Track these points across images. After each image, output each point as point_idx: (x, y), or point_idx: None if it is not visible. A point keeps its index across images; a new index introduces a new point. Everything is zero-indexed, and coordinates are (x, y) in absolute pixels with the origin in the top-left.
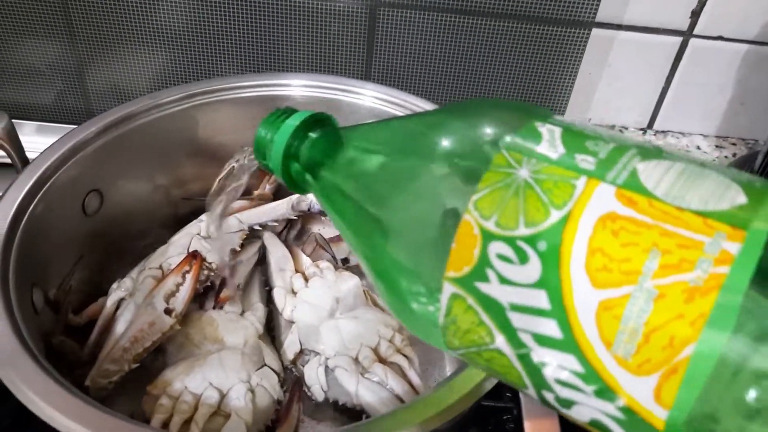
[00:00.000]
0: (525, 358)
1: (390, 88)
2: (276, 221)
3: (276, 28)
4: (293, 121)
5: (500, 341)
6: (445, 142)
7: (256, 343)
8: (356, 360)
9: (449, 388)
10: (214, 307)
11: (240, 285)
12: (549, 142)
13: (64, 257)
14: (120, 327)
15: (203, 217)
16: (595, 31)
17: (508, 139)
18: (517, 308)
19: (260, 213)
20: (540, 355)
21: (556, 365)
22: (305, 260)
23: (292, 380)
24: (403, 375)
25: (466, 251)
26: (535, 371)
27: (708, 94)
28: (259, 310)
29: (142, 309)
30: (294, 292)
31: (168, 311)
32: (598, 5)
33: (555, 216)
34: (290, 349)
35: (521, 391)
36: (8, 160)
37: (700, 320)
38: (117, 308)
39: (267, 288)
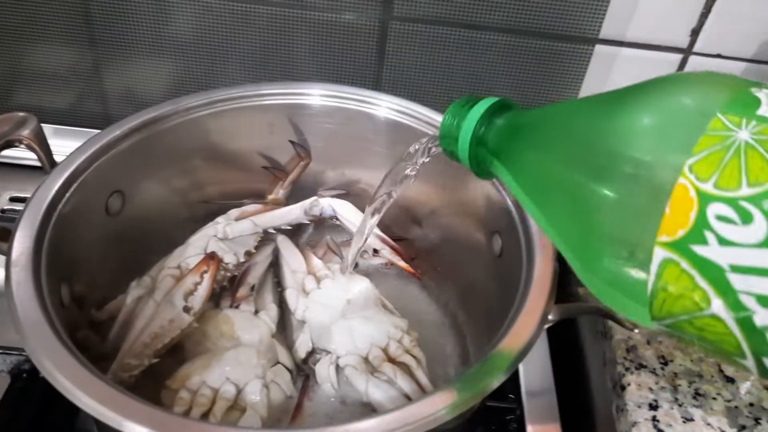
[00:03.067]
0: (746, 323)
1: (404, 100)
2: (289, 225)
3: (289, 39)
4: (480, 108)
5: (717, 305)
6: (648, 116)
7: (270, 342)
8: (366, 359)
9: (456, 386)
10: (230, 306)
11: (254, 285)
12: None
13: (88, 255)
14: (140, 323)
15: (219, 219)
16: (598, 47)
17: (723, 103)
18: (739, 269)
19: (274, 217)
20: (764, 317)
21: None
22: (317, 262)
23: (303, 378)
24: (411, 375)
25: (681, 215)
26: (757, 336)
27: None
28: (272, 310)
29: (162, 306)
30: (306, 293)
31: (186, 309)
32: (601, 22)
33: None
34: (302, 348)
35: (734, 362)
36: (35, 163)
37: None
38: (136, 305)
39: (279, 289)
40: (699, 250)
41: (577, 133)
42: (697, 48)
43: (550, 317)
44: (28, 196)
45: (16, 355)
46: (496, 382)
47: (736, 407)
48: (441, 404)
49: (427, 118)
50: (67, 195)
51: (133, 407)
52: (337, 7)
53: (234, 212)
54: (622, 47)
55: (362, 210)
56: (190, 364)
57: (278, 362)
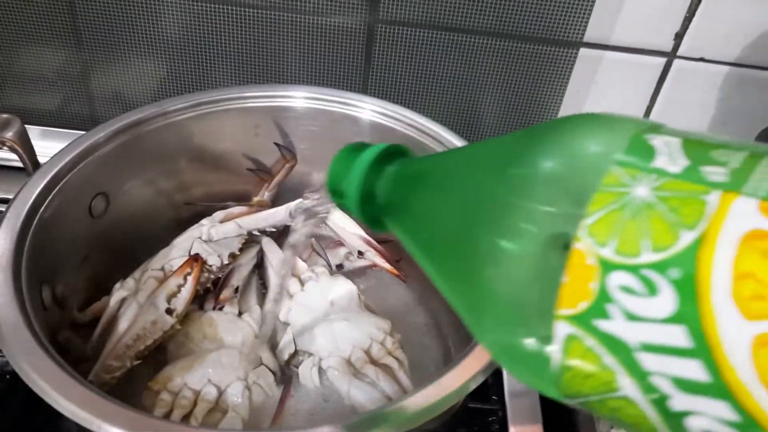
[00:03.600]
0: (661, 407)
1: (388, 103)
2: (274, 227)
3: (276, 42)
4: (367, 157)
5: (629, 388)
6: (543, 165)
7: (253, 343)
8: (349, 361)
9: (436, 386)
10: (213, 308)
11: (238, 287)
12: (667, 155)
13: (70, 257)
14: (123, 325)
15: (204, 221)
16: (582, 50)
17: (616, 154)
18: (648, 348)
19: (259, 219)
20: (681, 402)
21: (703, 414)
22: (301, 265)
23: (286, 379)
24: (394, 376)
25: (581, 285)
26: (675, 422)
27: (691, 114)
28: (255, 312)
29: (145, 308)
30: (290, 295)
31: (169, 311)
32: (585, 26)
33: (686, 238)
34: (285, 349)
35: None
36: (18, 164)
37: None
38: (120, 307)
39: (264, 291)
40: (603, 325)
41: (468, 182)
42: (681, 51)
43: None
44: (11, 197)
45: None
46: (476, 381)
47: None
48: (421, 404)
49: (411, 120)
50: (50, 197)
51: (111, 410)
52: (324, 11)
53: (219, 214)
54: (606, 51)
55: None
56: (172, 366)
57: (261, 364)
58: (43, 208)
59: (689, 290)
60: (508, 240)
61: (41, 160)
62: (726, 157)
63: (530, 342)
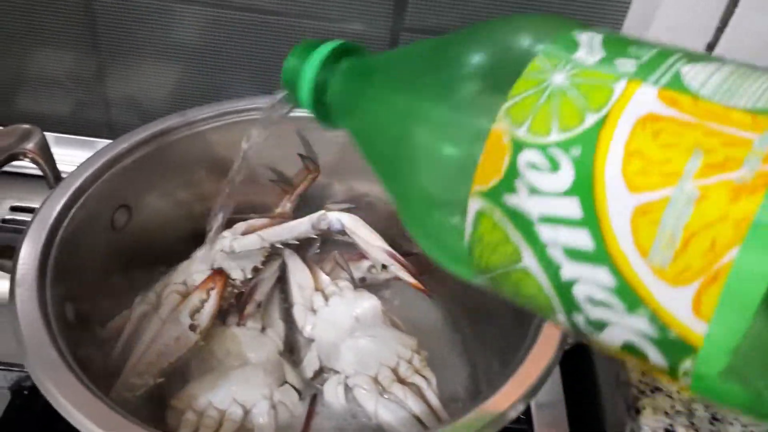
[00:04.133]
0: (554, 277)
1: None
2: (297, 239)
3: None
4: (322, 50)
5: (528, 259)
6: (476, 57)
7: (277, 360)
8: (375, 379)
9: (472, 417)
10: (237, 325)
11: (261, 302)
12: (588, 48)
13: (92, 271)
14: (144, 341)
15: (226, 233)
16: None
17: (542, 45)
18: (546, 220)
19: (281, 231)
20: (570, 270)
21: (587, 281)
22: (324, 278)
23: (310, 397)
24: (422, 395)
25: (495, 163)
26: (564, 291)
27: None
28: (278, 327)
29: (168, 324)
30: (314, 310)
31: (193, 327)
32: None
33: (590, 119)
34: (309, 366)
35: (551, 320)
36: (37, 171)
37: (745, 221)
38: (141, 321)
39: (286, 305)
40: (510, 199)
41: (410, 70)
42: None
43: (569, 340)
44: (29, 205)
45: (18, 371)
46: (514, 412)
47: None
48: None
49: None
50: (73, 211)
51: (133, 431)
52: (347, 17)
53: (240, 226)
54: None
55: (371, 224)
56: (196, 384)
57: (286, 381)
58: (66, 222)
59: (586, 166)
60: (439, 126)
61: (58, 165)
62: (639, 52)
63: (446, 219)
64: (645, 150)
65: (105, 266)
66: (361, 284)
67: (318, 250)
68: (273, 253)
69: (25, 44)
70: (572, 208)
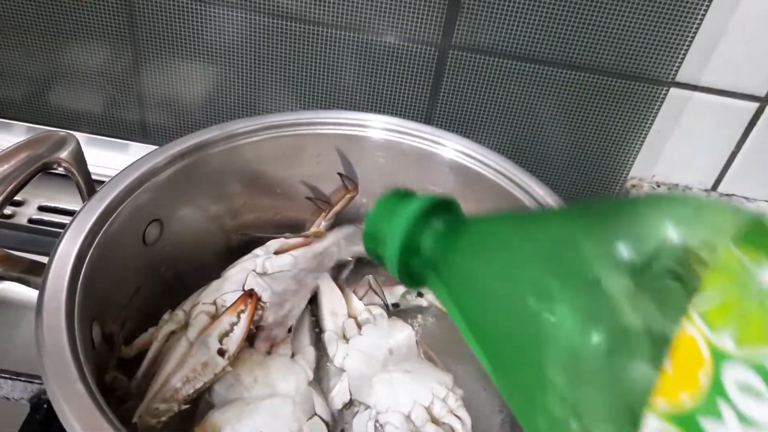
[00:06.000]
0: None
1: (471, 142)
2: (331, 263)
3: (336, 63)
4: (413, 207)
5: None
6: (623, 246)
7: (306, 391)
8: (408, 418)
9: None
10: (267, 352)
11: (292, 327)
12: None
13: (122, 289)
14: (171, 364)
15: (259, 251)
16: (672, 90)
17: (734, 233)
18: None
19: (315, 252)
20: None
21: None
22: (358, 305)
23: (338, 429)
24: None
25: (688, 376)
26: None
27: None
28: (309, 354)
29: (196, 347)
30: (346, 339)
31: (221, 352)
32: (680, 65)
33: None
34: (339, 397)
35: None
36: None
37: None
38: (167, 340)
39: (317, 329)
40: (711, 427)
41: (535, 255)
42: None
43: None
44: (57, 205)
45: (38, 383)
46: None
47: None
48: None
49: (496, 164)
50: (105, 226)
51: None
52: (394, 32)
53: (273, 244)
54: (695, 92)
55: None
56: (220, 412)
57: (315, 414)
58: (98, 238)
59: None
60: (587, 321)
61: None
62: None
63: None
64: None
65: (134, 282)
66: (394, 309)
67: (351, 268)
68: (306, 274)
69: (60, 39)
70: None
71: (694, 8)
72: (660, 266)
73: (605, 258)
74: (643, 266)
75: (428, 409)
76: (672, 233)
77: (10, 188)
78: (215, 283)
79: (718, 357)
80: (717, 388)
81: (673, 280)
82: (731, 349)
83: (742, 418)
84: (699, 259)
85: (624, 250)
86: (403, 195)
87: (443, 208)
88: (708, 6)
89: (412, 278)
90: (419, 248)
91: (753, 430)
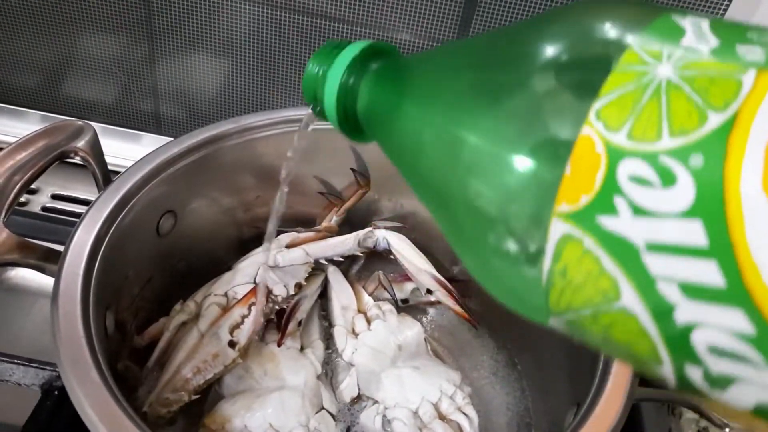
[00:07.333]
0: (664, 319)
1: None
2: (342, 256)
3: None
4: (349, 53)
5: (629, 296)
6: (549, 50)
7: (315, 384)
8: (416, 414)
9: None
10: (277, 345)
11: (302, 320)
12: (696, 34)
13: (135, 279)
14: (181, 354)
15: (271, 244)
16: None
17: (637, 34)
18: (657, 248)
19: (327, 247)
20: (689, 312)
21: (712, 326)
22: (368, 300)
23: (345, 425)
24: None
25: (585, 176)
26: (677, 337)
27: None
28: (318, 348)
29: (207, 339)
30: (355, 334)
31: (232, 344)
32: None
33: (714, 120)
34: (347, 392)
35: (648, 370)
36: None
37: None
38: (178, 331)
39: (326, 323)
40: (607, 222)
41: (462, 71)
42: None
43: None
44: (71, 194)
45: (50, 370)
46: None
47: None
48: None
49: None
50: (120, 216)
51: None
52: (409, 29)
53: (285, 238)
54: None
55: (417, 244)
56: (230, 403)
57: (323, 408)
58: (113, 229)
59: (713, 179)
60: (502, 137)
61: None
62: (763, 38)
63: (515, 248)
64: None
65: (148, 274)
66: (403, 305)
67: (361, 263)
68: (316, 268)
69: (76, 28)
70: (694, 233)
71: (716, 5)
72: (569, 70)
73: (519, 62)
74: (556, 68)
75: (436, 406)
76: (586, 32)
77: (27, 176)
78: (227, 275)
79: (614, 154)
80: (612, 184)
81: (579, 86)
82: (625, 144)
83: (636, 209)
84: (605, 59)
85: (540, 53)
86: (336, 44)
87: (379, 53)
88: (728, 4)
89: (353, 129)
90: (356, 95)
91: (645, 219)
